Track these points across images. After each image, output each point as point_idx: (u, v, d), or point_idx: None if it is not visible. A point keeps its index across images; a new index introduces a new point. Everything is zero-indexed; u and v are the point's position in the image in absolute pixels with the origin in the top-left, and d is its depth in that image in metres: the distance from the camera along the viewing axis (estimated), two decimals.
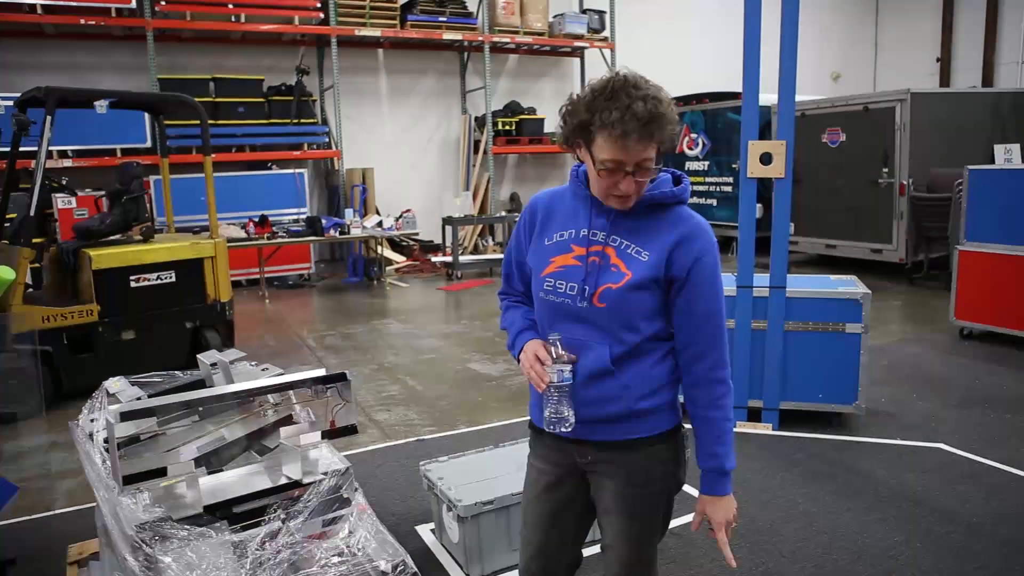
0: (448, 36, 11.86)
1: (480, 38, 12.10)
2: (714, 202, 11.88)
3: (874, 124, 9.08)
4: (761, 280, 4.42)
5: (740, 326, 4.41)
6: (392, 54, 12.56)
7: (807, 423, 4.49)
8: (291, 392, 2.56)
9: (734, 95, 11.32)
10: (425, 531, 3.35)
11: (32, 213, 5.04)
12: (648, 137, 1.64)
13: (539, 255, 1.86)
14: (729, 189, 11.55)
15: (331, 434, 2.36)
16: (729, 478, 1.92)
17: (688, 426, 1.95)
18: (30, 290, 5.59)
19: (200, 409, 2.61)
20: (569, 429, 1.76)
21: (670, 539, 3.22)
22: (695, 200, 12.20)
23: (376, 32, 11.28)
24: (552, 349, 1.74)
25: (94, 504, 3.57)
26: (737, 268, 4.43)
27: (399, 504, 3.64)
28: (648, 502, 1.88)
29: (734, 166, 11.34)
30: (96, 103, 5.54)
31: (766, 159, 4.27)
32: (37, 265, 5.96)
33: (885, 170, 9.02)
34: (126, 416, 2.04)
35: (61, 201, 8.98)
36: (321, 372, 2.40)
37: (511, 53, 13.52)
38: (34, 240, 5.21)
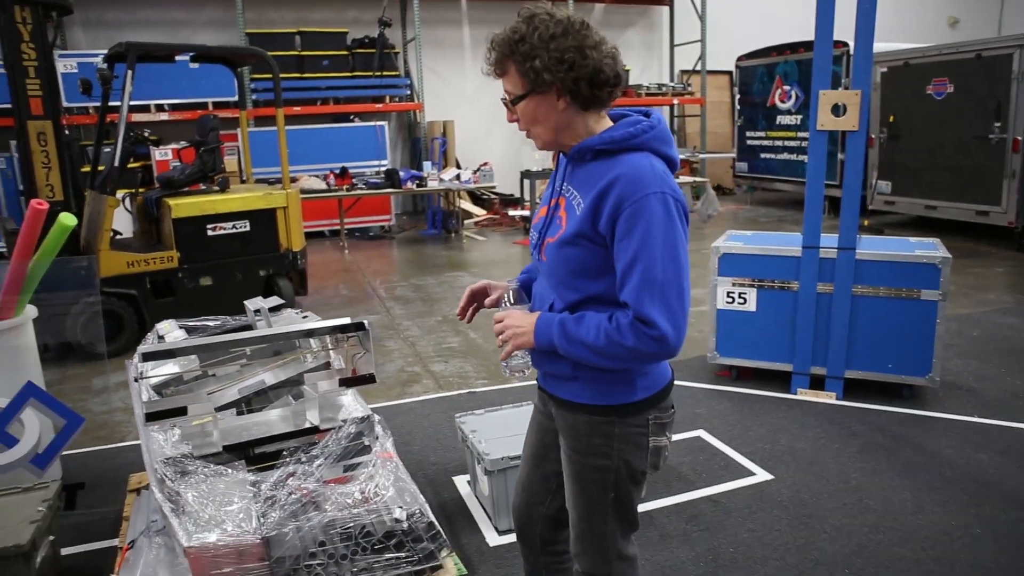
0: None
1: None
2: (806, 158, 11.26)
3: (987, 73, 8.33)
4: (829, 241, 4.18)
5: (804, 288, 4.20)
6: (475, 5, 12.42)
7: (874, 394, 4.25)
8: (327, 340, 2.62)
9: (834, 44, 10.63)
10: (461, 482, 3.40)
11: (117, 164, 5.30)
12: (494, 67, 1.62)
13: (539, 207, 1.84)
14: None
15: (349, 382, 2.40)
16: (546, 335, 1.63)
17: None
18: (118, 237, 5.92)
19: (247, 352, 2.72)
20: (519, 375, 1.76)
21: (706, 505, 3.15)
22: (785, 156, 11.63)
23: None
24: (505, 296, 1.76)
25: None
26: (803, 227, 4.19)
27: (440, 454, 3.70)
28: (592, 475, 1.73)
29: None
30: (177, 57, 5.73)
31: (839, 110, 3.99)
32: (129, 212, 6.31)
33: (997, 124, 8.29)
34: (147, 356, 2.13)
35: (158, 153, 9.45)
36: (343, 321, 2.44)
37: (597, 2, 13.12)
38: (123, 190, 5.50)
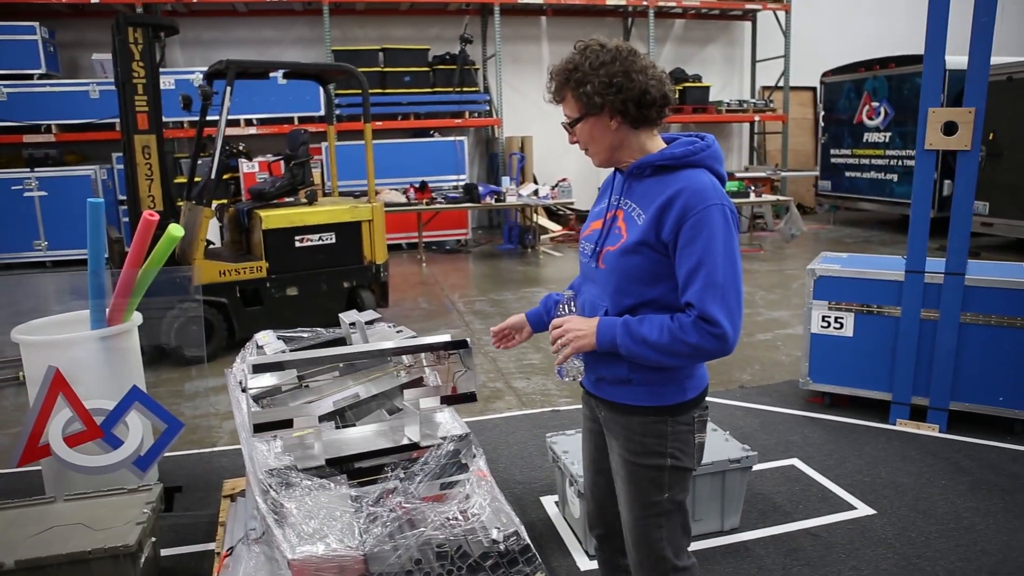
0: (612, 1, 11.59)
1: (645, 2, 11.72)
2: (895, 177, 10.85)
3: None
4: (935, 265, 3.97)
5: (907, 314, 4.00)
6: (554, 21, 12.47)
7: (980, 428, 4.02)
8: (422, 356, 2.62)
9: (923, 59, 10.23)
10: (549, 502, 3.35)
11: (213, 176, 5.50)
12: (554, 95, 1.81)
13: (586, 222, 2.00)
14: (913, 163, 10.49)
15: (451, 400, 2.39)
16: (609, 336, 1.75)
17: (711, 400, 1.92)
18: (211, 246, 6.12)
19: (340, 366, 2.74)
20: (576, 379, 1.86)
21: (805, 539, 3.02)
22: (872, 175, 11.22)
23: None
24: (564, 307, 1.89)
25: None
26: (907, 251, 4.00)
27: (527, 473, 3.66)
28: (647, 475, 1.84)
29: None
30: (271, 74, 5.92)
31: (949, 129, 3.80)
32: (221, 224, 6.53)
33: None
34: (258, 368, 2.17)
35: (245, 166, 9.79)
36: (445, 338, 2.44)
37: (677, 18, 13.00)
38: (215, 201, 5.70)
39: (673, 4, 11.93)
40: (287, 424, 2.17)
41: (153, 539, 2.75)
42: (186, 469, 3.81)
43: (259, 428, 2.13)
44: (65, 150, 10.15)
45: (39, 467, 3.34)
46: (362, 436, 2.44)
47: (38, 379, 3.08)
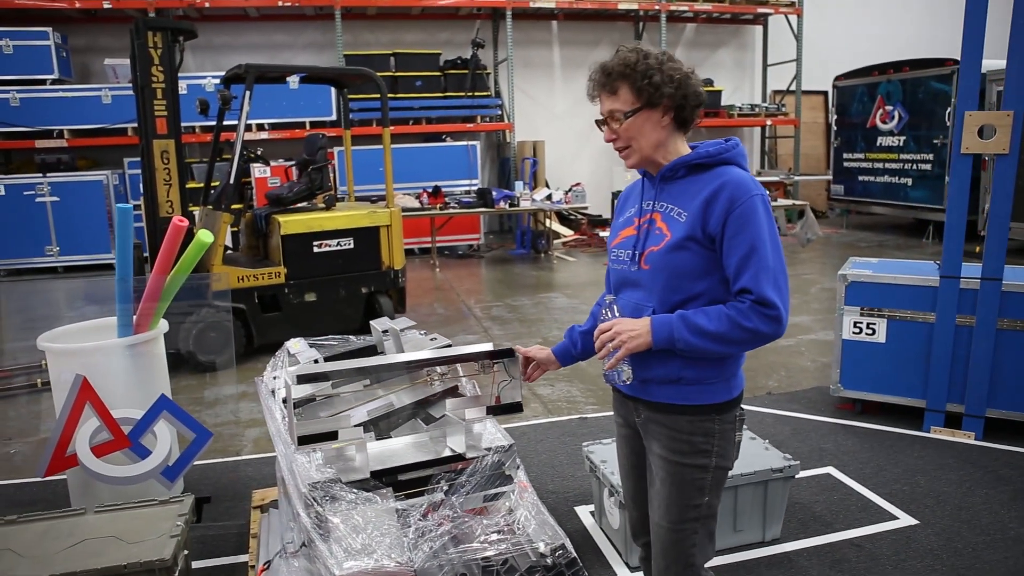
0: (624, 5, 11.55)
1: (657, 6, 11.69)
2: (909, 181, 10.78)
3: None
4: (970, 271, 3.91)
5: (942, 321, 3.94)
6: (566, 26, 12.44)
7: (1018, 436, 3.95)
8: (457, 365, 2.56)
9: (939, 62, 10.16)
10: (584, 512, 3.29)
11: (232, 181, 5.46)
12: (604, 87, 1.82)
13: (612, 232, 2.03)
14: (928, 167, 10.43)
15: (496, 410, 2.33)
16: (665, 331, 1.76)
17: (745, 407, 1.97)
18: (228, 252, 6.08)
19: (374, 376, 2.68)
20: (627, 381, 1.83)
21: (848, 550, 2.95)
22: (886, 179, 11.15)
23: (551, 3, 11.19)
24: (607, 311, 1.85)
25: (274, 455, 3.85)
26: (943, 256, 3.94)
27: (558, 482, 3.60)
28: (690, 475, 1.86)
29: (936, 141, 10.23)
30: (288, 78, 5.88)
31: (986, 132, 3.74)
32: (236, 229, 6.49)
33: None
34: (302, 379, 2.11)
35: (257, 170, 9.76)
36: (489, 347, 2.37)
37: (688, 22, 12.96)
38: (233, 206, 5.65)
39: (685, 8, 11.89)
40: (332, 436, 2.11)
41: (186, 552, 2.69)
42: (211, 479, 3.76)
43: (304, 440, 2.08)
44: (77, 155, 10.13)
45: (64, 476, 3.28)
46: (404, 447, 2.38)
47: (65, 387, 3.03)
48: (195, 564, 2.93)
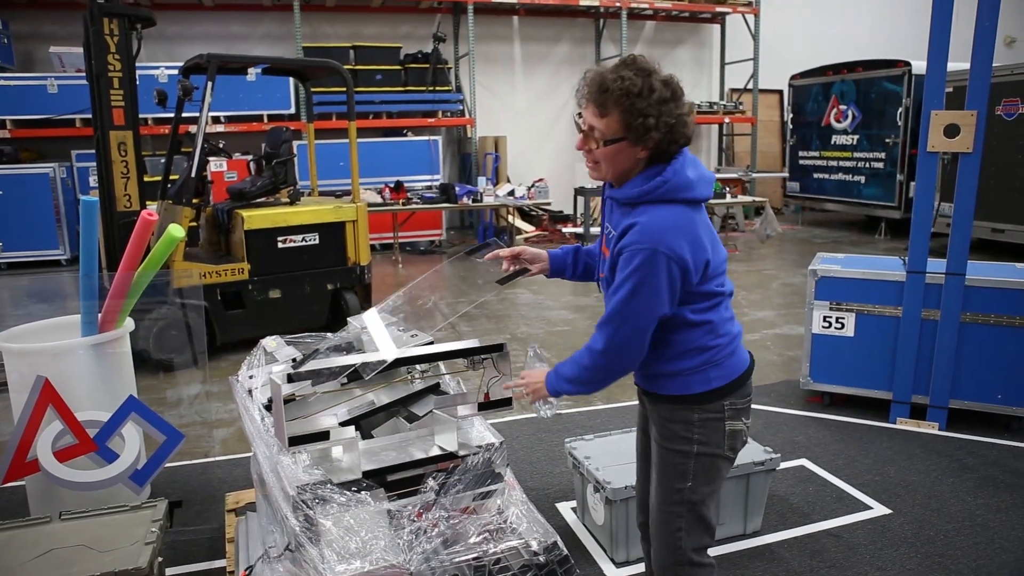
0: (585, 2, 11.57)
1: (617, 3, 11.74)
2: (862, 179, 11.05)
3: None
4: (935, 266, 4.01)
5: (908, 315, 4.03)
6: (527, 21, 12.41)
7: (977, 426, 4.07)
8: (440, 361, 2.52)
9: (891, 63, 10.43)
10: (566, 509, 3.27)
11: (193, 175, 5.29)
12: (596, 103, 1.76)
13: (597, 243, 2.11)
14: (880, 166, 10.71)
15: (485, 406, 2.30)
16: (551, 384, 2.05)
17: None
18: (187, 248, 5.89)
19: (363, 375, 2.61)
20: (547, 416, 2.17)
21: (827, 540, 3.00)
22: (840, 176, 11.41)
23: None
24: (527, 356, 2.11)
25: (248, 455, 3.73)
26: (909, 252, 4.03)
27: (538, 479, 3.58)
28: (672, 460, 1.95)
29: (888, 141, 10.50)
30: (250, 69, 5.72)
31: (951, 131, 3.84)
32: (196, 224, 6.29)
33: None
34: (293, 379, 2.04)
35: (214, 164, 9.49)
36: (476, 343, 2.34)
37: (648, 19, 13.06)
38: (193, 200, 5.48)
39: (645, 6, 11.98)
40: (323, 436, 2.05)
41: (160, 559, 2.59)
42: (179, 482, 3.63)
43: (295, 441, 2.01)
44: (21, 147, 9.72)
45: (23, 483, 3.14)
46: (394, 447, 2.33)
47: (24, 389, 2.89)
48: (169, 571, 2.83)
